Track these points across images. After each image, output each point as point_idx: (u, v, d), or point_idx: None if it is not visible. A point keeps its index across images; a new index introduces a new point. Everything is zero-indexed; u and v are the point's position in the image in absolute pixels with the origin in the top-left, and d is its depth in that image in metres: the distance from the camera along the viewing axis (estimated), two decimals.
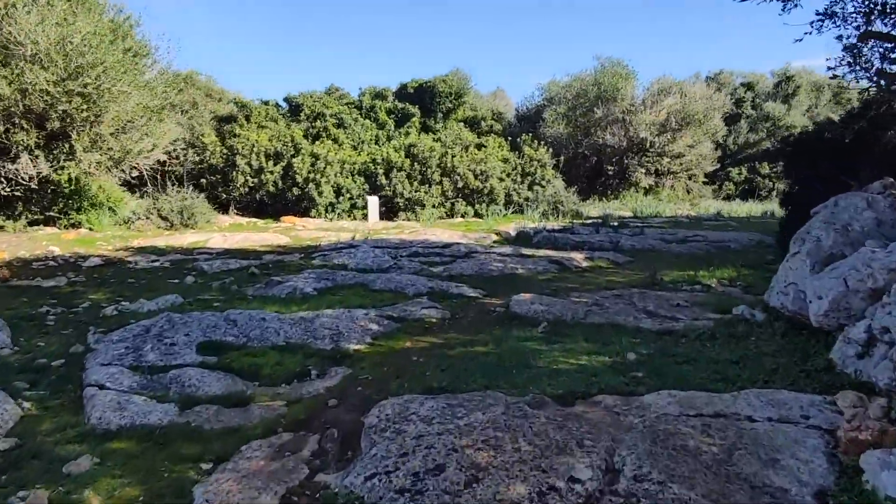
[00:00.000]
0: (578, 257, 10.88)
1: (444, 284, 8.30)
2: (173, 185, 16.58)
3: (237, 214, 18.45)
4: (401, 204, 18.92)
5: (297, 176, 18.09)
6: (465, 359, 5.34)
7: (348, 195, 18.64)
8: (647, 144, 22.47)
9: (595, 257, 10.93)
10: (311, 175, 18.11)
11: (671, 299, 7.39)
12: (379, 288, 8.18)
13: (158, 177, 17.15)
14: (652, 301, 7.23)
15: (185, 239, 13.34)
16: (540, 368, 4.94)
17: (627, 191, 24.69)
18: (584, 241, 12.94)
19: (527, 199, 20.73)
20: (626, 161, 23.85)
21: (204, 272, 9.53)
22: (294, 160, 18.39)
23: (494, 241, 13.45)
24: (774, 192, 30.80)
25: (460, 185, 19.69)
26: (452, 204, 19.72)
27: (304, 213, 18.29)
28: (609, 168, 24.09)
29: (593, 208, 22.11)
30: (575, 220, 19.18)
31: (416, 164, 19.39)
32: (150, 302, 7.31)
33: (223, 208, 18.64)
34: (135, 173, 15.88)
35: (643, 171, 23.85)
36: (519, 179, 20.94)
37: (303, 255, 11.24)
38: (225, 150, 19.02)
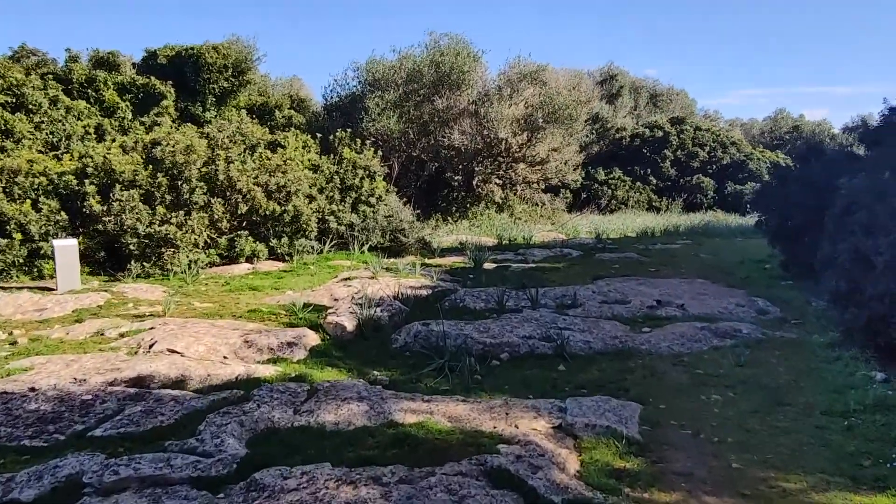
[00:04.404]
0: (537, 431, 4.33)
1: None
2: None
3: None
4: (133, 247, 10.70)
5: None
6: None
7: (20, 235, 9.92)
8: (504, 147, 16.91)
9: (574, 425, 4.45)
10: None
11: None
12: None
13: None
14: None
15: None
16: None
17: (476, 206, 18.98)
18: (498, 340, 6.42)
19: (351, 225, 13.78)
20: (475, 168, 18.06)
21: None
22: None
23: (316, 349, 6.32)
24: (614, 202, 27.71)
25: (244, 208, 12.06)
26: (231, 241, 11.99)
27: None
28: (454, 178, 18.11)
29: (443, 234, 15.93)
30: (428, 261, 12.76)
31: (161, 174, 11.31)
32: None
33: None
34: None
35: (497, 181, 18.29)
36: (337, 197, 13.88)
37: None
38: None
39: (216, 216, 11.70)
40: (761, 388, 5.41)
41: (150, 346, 5.96)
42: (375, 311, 7.07)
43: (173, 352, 5.82)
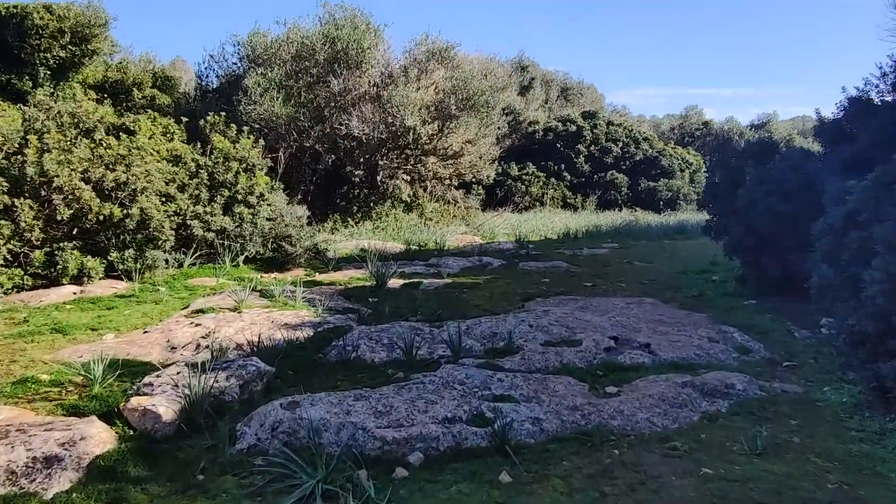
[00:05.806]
0: None
1: None
2: None
3: None
4: None
5: None
6: None
7: None
8: (412, 137, 14.68)
9: None
10: None
11: None
12: None
13: None
14: None
15: None
16: None
17: (381, 205, 16.62)
18: (406, 431, 4.18)
19: (222, 231, 11.02)
20: (380, 162, 15.70)
21: None
22: None
23: (101, 463, 3.75)
24: (528, 199, 26.22)
25: (66, 212, 9.05)
26: (51, 255, 8.97)
27: None
28: (355, 172, 15.65)
29: (341, 239, 13.50)
30: (319, 277, 10.35)
31: None
32: None
33: None
34: None
35: (405, 177, 16.04)
36: (205, 196, 11.07)
37: None
38: None
39: (24, 222, 8.64)
40: None
41: None
42: (217, 380, 4.60)
43: None
